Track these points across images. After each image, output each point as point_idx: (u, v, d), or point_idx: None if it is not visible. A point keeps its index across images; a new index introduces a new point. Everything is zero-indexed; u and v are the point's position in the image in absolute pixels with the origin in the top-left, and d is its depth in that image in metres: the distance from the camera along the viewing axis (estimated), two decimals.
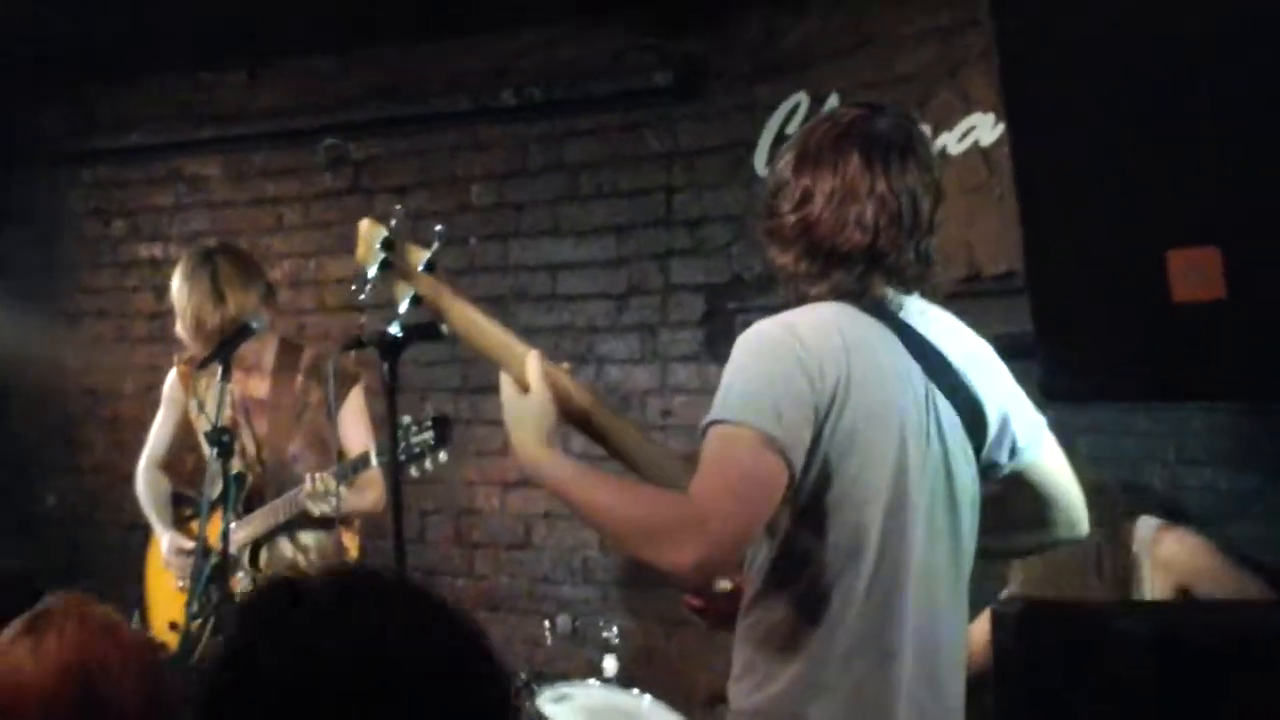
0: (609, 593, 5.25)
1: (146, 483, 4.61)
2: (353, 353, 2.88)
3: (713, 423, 2.26)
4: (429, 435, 3.83)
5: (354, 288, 2.86)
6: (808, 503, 2.32)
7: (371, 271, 2.79)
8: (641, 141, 5.42)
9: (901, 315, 2.42)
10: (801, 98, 4.93)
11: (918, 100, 4.61)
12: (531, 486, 5.30)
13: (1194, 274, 1.77)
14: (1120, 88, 1.82)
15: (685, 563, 2.18)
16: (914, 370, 2.38)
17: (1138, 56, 1.81)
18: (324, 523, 4.19)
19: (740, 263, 5.10)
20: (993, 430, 2.47)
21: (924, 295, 2.48)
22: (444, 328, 2.79)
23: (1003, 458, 2.51)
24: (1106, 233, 1.87)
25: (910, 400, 2.36)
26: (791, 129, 4.95)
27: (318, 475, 4.07)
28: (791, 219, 2.44)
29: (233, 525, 4.17)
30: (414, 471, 3.89)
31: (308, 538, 4.29)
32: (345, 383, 4.25)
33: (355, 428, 4.24)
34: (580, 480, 2.38)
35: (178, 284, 4.25)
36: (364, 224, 2.84)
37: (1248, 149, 1.72)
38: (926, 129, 4.57)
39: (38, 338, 6.62)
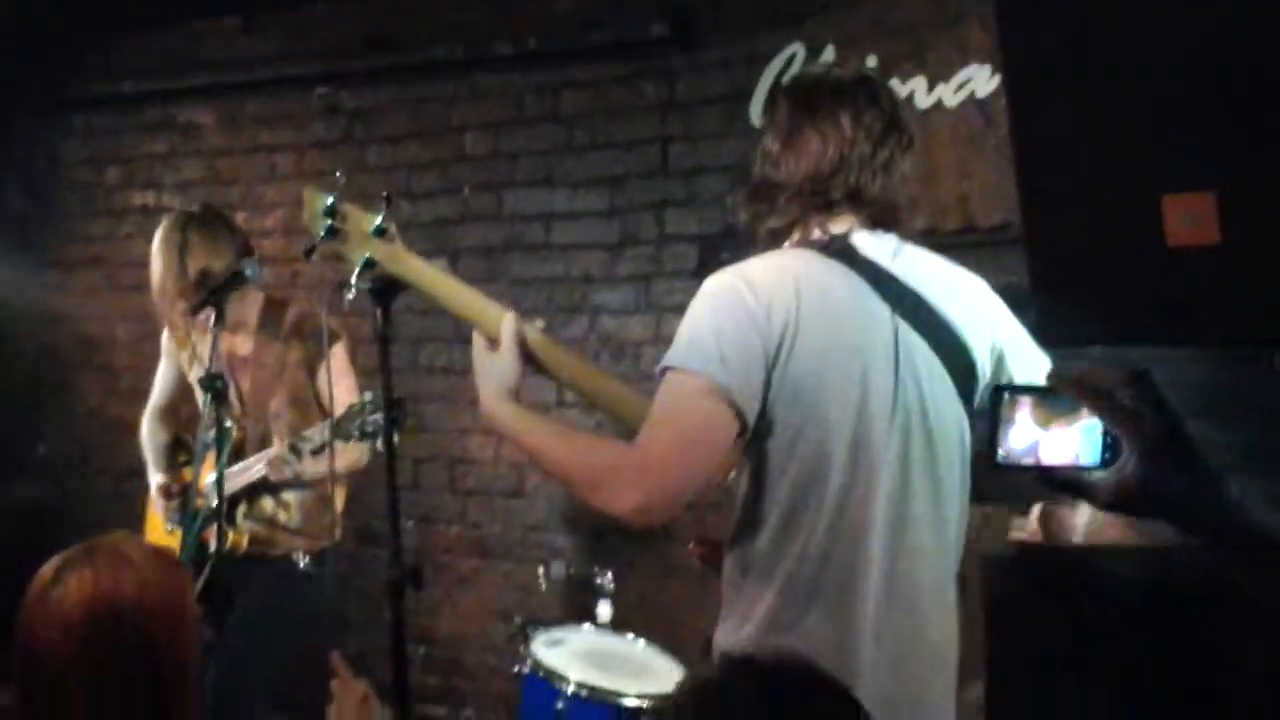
0: (602, 541, 5.26)
1: (148, 431, 4.67)
2: (341, 304, 2.89)
3: (664, 370, 2.32)
4: (379, 416, 3.84)
5: (304, 254, 2.88)
6: (767, 443, 2.35)
7: (317, 239, 2.78)
8: (638, 92, 5.41)
9: (873, 257, 2.43)
10: (798, 48, 4.92)
11: (914, 51, 4.60)
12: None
13: (1189, 219, 1.78)
14: (1115, 36, 1.82)
15: (625, 508, 2.24)
16: (881, 311, 2.39)
17: (1132, 4, 1.81)
18: (295, 484, 4.23)
19: (735, 214, 5.09)
20: (984, 369, 2.48)
21: (900, 228, 2.50)
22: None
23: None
24: (1101, 180, 1.87)
25: (876, 341, 2.37)
26: (787, 79, 4.94)
27: (279, 442, 4.13)
28: (756, 174, 2.55)
29: (215, 477, 4.21)
30: (366, 447, 4.01)
31: (289, 494, 4.31)
32: (328, 340, 4.27)
33: (338, 386, 4.24)
34: (534, 430, 2.47)
35: (154, 247, 4.28)
36: (306, 192, 2.84)
37: (1243, 95, 1.72)
38: (923, 81, 4.58)
39: (30, 286, 6.62)
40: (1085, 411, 1.42)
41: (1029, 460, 1.46)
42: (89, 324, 6.68)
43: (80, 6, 6.28)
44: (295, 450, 4.07)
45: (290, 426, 4.23)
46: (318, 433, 4.05)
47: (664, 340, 2.42)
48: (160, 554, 2.42)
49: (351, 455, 4.21)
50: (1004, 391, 1.48)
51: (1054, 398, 1.45)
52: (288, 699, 4.43)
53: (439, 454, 5.69)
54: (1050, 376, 1.47)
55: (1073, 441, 1.43)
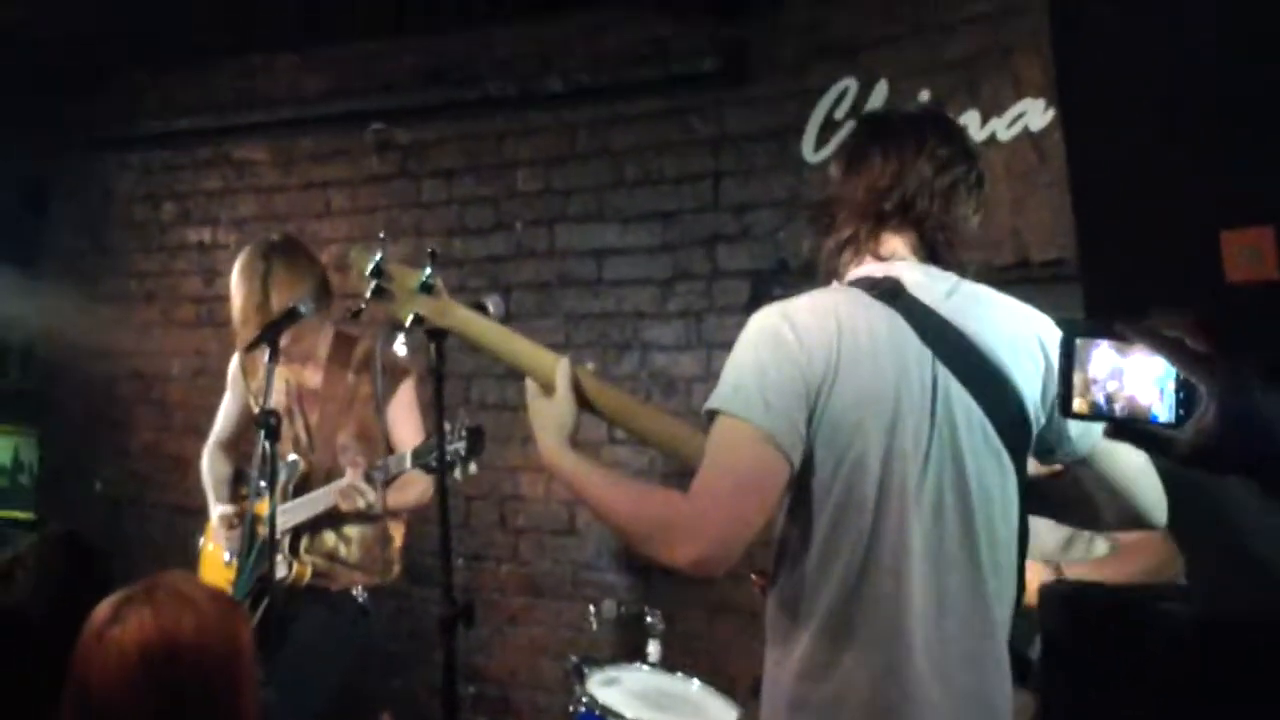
0: (651, 579, 5.25)
1: (209, 462, 4.71)
2: (403, 347, 2.91)
3: (711, 413, 2.31)
4: (461, 445, 3.86)
5: (349, 312, 2.92)
6: (805, 482, 2.35)
7: (366, 298, 2.80)
8: (688, 127, 5.41)
9: (924, 297, 2.42)
10: (850, 83, 4.91)
11: (967, 85, 4.58)
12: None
13: (1247, 255, 1.75)
14: (1172, 71, 1.80)
15: (684, 560, 2.26)
16: (921, 355, 2.37)
17: (1189, 40, 1.79)
18: (367, 515, 4.23)
19: (787, 248, 5.08)
20: (1038, 418, 2.44)
21: (964, 275, 2.48)
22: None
23: (1063, 443, 2.50)
24: (1159, 216, 1.85)
25: (912, 384, 2.35)
26: (840, 114, 4.94)
27: (350, 472, 4.13)
28: (820, 197, 2.60)
29: (281, 509, 4.23)
30: (447, 479, 3.94)
31: (351, 529, 4.33)
32: (396, 377, 4.30)
33: (404, 423, 4.29)
34: (592, 480, 2.47)
35: (234, 276, 4.32)
36: (353, 253, 2.87)
37: None
38: (976, 115, 4.55)
39: (87, 321, 6.68)
40: (1158, 366, 1.40)
41: (1102, 411, 1.44)
42: (144, 360, 6.73)
43: (136, 43, 6.34)
44: (369, 479, 4.08)
45: (355, 461, 4.22)
46: (393, 462, 4.07)
47: (715, 376, 2.42)
48: (219, 595, 2.43)
49: (418, 488, 4.24)
50: (1075, 341, 1.46)
51: (1127, 350, 1.43)
52: None
53: (490, 491, 5.69)
54: (1120, 327, 1.45)
55: (1147, 395, 1.41)
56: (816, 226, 2.59)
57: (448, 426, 3.88)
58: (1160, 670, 1.89)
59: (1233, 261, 1.79)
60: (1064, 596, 2.13)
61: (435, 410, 3.06)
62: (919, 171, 2.45)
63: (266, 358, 3.94)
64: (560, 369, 2.62)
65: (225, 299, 6.34)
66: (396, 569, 4.44)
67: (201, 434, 4.82)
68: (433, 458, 3.87)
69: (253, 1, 5.74)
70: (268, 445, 3.91)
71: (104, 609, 2.26)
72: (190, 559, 4.70)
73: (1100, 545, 3.64)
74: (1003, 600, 2.43)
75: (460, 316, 2.76)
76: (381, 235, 2.88)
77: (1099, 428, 2.47)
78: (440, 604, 2.83)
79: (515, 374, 5.34)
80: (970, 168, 2.50)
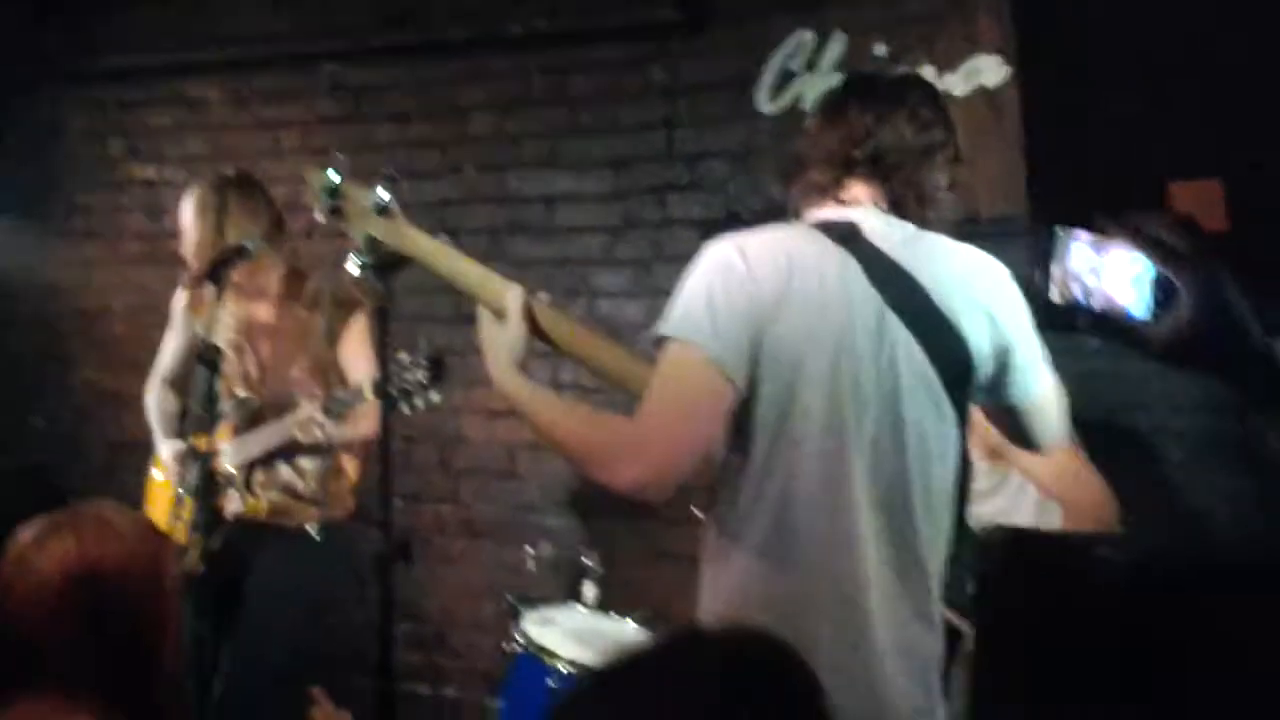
0: (591, 523, 5.26)
1: (156, 399, 4.68)
2: (357, 279, 2.93)
3: (660, 338, 2.37)
4: (421, 374, 3.87)
5: (306, 233, 2.93)
6: (745, 411, 2.38)
7: (320, 218, 2.84)
8: (644, 76, 5.39)
9: (878, 242, 2.44)
10: (806, 35, 4.92)
11: (923, 40, 4.59)
12: (516, 416, 5.32)
13: (1196, 206, 1.76)
14: (1125, 27, 1.80)
15: (626, 481, 2.32)
16: (869, 298, 2.40)
17: None
18: (320, 448, 4.24)
19: (738, 200, 5.08)
20: (983, 367, 2.47)
21: (923, 222, 2.51)
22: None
23: (999, 393, 2.54)
24: (1109, 167, 1.86)
25: (857, 326, 2.38)
26: (795, 66, 4.95)
27: (305, 405, 4.14)
28: (794, 148, 2.66)
29: (231, 445, 4.24)
30: (405, 408, 3.98)
31: (305, 462, 4.33)
32: (347, 309, 4.29)
33: (358, 356, 4.28)
34: (540, 404, 2.55)
35: (188, 211, 4.31)
36: (308, 171, 2.90)
37: (1251, 84, 1.71)
38: (931, 70, 4.56)
39: (29, 256, 6.61)
40: (1135, 262, 1.42)
41: (1080, 304, 1.46)
42: (86, 296, 6.65)
43: None
44: (328, 411, 4.09)
45: (311, 394, 4.24)
46: (351, 394, 4.06)
47: None
48: (145, 525, 2.42)
49: (371, 421, 4.22)
50: (1056, 231, 1.48)
51: (1105, 245, 1.45)
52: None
53: (432, 433, 5.67)
54: (1100, 221, 1.47)
55: (1124, 291, 1.42)
56: (786, 173, 2.64)
57: (406, 357, 3.89)
58: (1094, 614, 1.91)
59: (1182, 212, 1.80)
60: (1002, 541, 2.15)
61: (380, 345, 3.08)
62: (896, 128, 2.48)
63: (214, 294, 3.92)
64: (512, 295, 2.66)
65: (171, 236, 6.30)
66: (350, 503, 4.43)
67: (144, 371, 4.78)
68: (393, 388, 3.89)
69: None
70: (212, 379, 3.89)
71: (27, 533, 2.25)
72: (127, 493, 4.66)
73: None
74: (933, 546, 2.45)
75: (413, 238, 2.79)
76: (338, 153, 2.86)
77: (1038, 388, 2.51)
78: (378, 541, 2.83)
79: (461, 317, 5.38)
80: (949, 137, 2.54)
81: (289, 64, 6.23)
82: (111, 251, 6.66)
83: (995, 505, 3.64)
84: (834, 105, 2.58)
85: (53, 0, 6.49)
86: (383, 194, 2.77)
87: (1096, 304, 1.45)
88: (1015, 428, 2.63)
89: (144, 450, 4.71)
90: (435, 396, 3.95)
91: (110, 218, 6.70)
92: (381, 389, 3.84)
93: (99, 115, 6.77)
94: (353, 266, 2.84)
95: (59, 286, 6.68)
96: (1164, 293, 1.41)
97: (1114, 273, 1.44)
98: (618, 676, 1.40)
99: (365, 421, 4.23)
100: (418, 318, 5.63)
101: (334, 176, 2.79)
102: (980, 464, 3.40)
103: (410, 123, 5.91)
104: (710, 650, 1.44)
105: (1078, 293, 1.46)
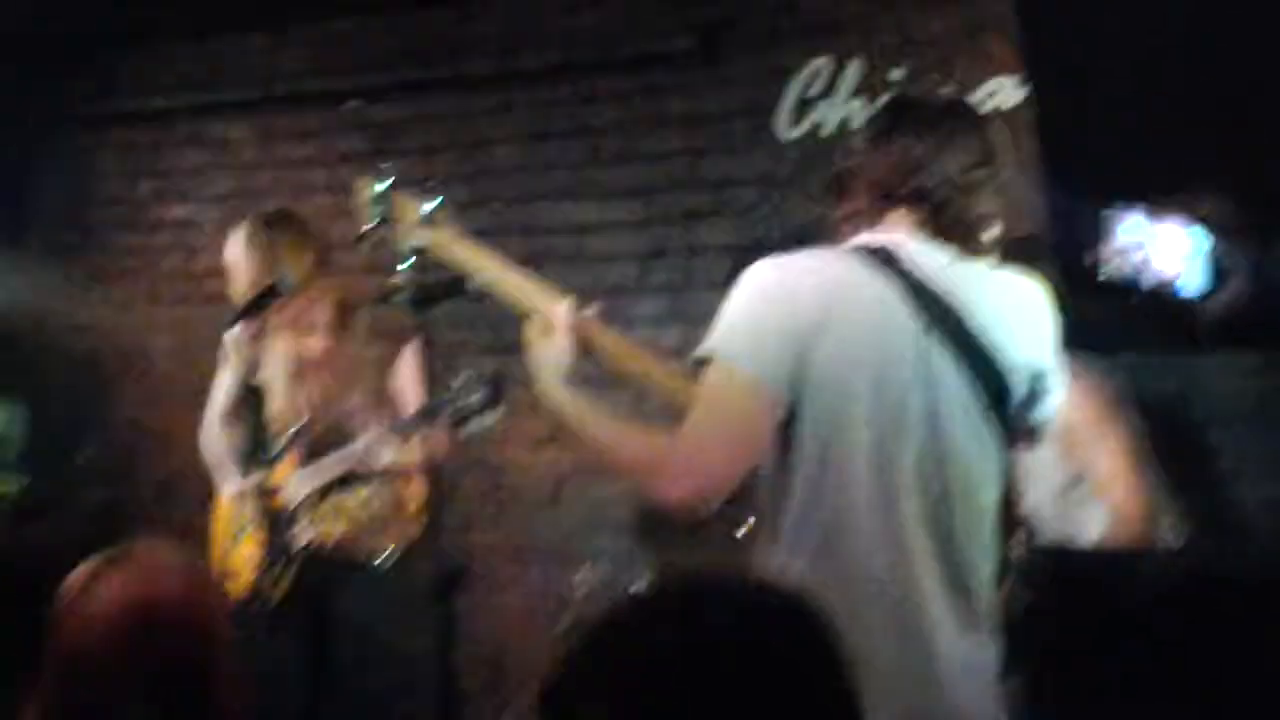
0: (636, 547, 5.32)
1: (211, 436, 4.64)
2: (406, 310, 2.97)
3: (704, 359, 2.40)
4: (478, 396, 3.90)
5: (354, 243, 2.96)
6: (786, 434, 2.41)
7: (367, 228, 2.88)
8: (664, 105, 5.48)
9: (918, 268, 2.45)
10: (824, 62, 4.99)
11: (941, 63, 4.65)
12: (560, 444, 5.43)
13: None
14: (1136, 44, 1.87)
15: (673, 498, 2.40)
16: (910, 323, 2.42)
17: (1154, 11, 1.86)
18: (384, 475, 4.29)
19: (765, 225, 5.15)
20: (1018, 393, 2.50)
21: (965, 252, 2.51)
22: (467, 282, 2.91)
23: (1039, 418, 2.58)
24: (1127, 185, 1.92)
25: (898, 350, 2.41)
26: (813, 93, 5.03)
27: (372, 429, 4.19)
28: (837, 166, 2.63)
29: (294, 478, 4.31)
30: (463, 432, 3.98)
31: (370, 490, 4.35)
32: (399, 340, 4.33)
33: (412, 382, 4.31)
34: (589, 418, 2.58)
35: (237, 250, 4.38)
36: (357, 181, 2.92)
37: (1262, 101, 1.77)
38: (950, 92, 4.63)
39: (70, 298, 6.68)
40: (1187, 239, 1.41)
41: (1130, 282, 1.46)
42: (126, 335, 6.73)
43: (111, 23, 6.35)
44: (389, 438, 4.14)
45: (368, 424, 4.28)
46: (411, 420, 4.11)
47: (695, 350, 2.51)
48: (193, 560, 2.49)
49: (434, 445, 4.12)
50: (1105, 212, 1.48)
51: (1157, 222, 1.45)
52: None
53: (477, 462, 5.74)
54: (1155, 198, 1.47)
55: (1176, 268, 1.43)
56: (829, 193, 2.64)
57: (461, 379, 3.92)
58: (1139, 628, 2.00)
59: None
60: (1047, 557, 2.23)
61: (425, 375, 3.23)
62: (945, 162, 2.47)
63: (252, 333, 4.00)
64: (561, 308, 2.70)
65: (206, 276, 6.44)
66: (413, 531, 4.46)
67: (186, 407, 4.83)
68: (447, 413, 3.90)
69: None
70: (257, 419, 3.97)
71: (81, 574, 2.29)
72: (175, 529, 4.73)
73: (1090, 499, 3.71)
74: (979, 568, 2.48)
75: (461, 248, 2.83)
76: (385, 165, 2.92)
77: (1054, 411, 2.57)
78: (433, 566, 2.91)
79: (500, 347, 5.46)
80: (996, 168, 2.53)
81: (309, 102, 6.34)
82: (148, 291, 6.76)
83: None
84: (883, 131, 2.56)
85: (80, 45, 6.57)
86: (431, 203, 2.83)
87: (1147, 282, 1.46)
88: None
89: (190, 486, 4.77)
90: (493, 419, 3.97)
91: (145, 258, 6.80)
92: (425, 409, 3.89)
93: (128, 157, 6.87)
94: (400, 277, 2.87)
95: (98, 326, 6.76)
96: (1218, 268, 1.41)
97: (1166, 250, 1.44)
98: (620, 629, 1.42)
99: (431, 445, 4.19)
100: (456, 348, 5.71)
101: (382, 185, 2.85)
102: (1050, 455, 3.42)
103: (435, 158, 6.00)
104: (721, 597, 1.44)
105: (1128, 271, 1.47)
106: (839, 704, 1.40)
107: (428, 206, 2.83)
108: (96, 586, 2.26)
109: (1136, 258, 1.41)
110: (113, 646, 2.19)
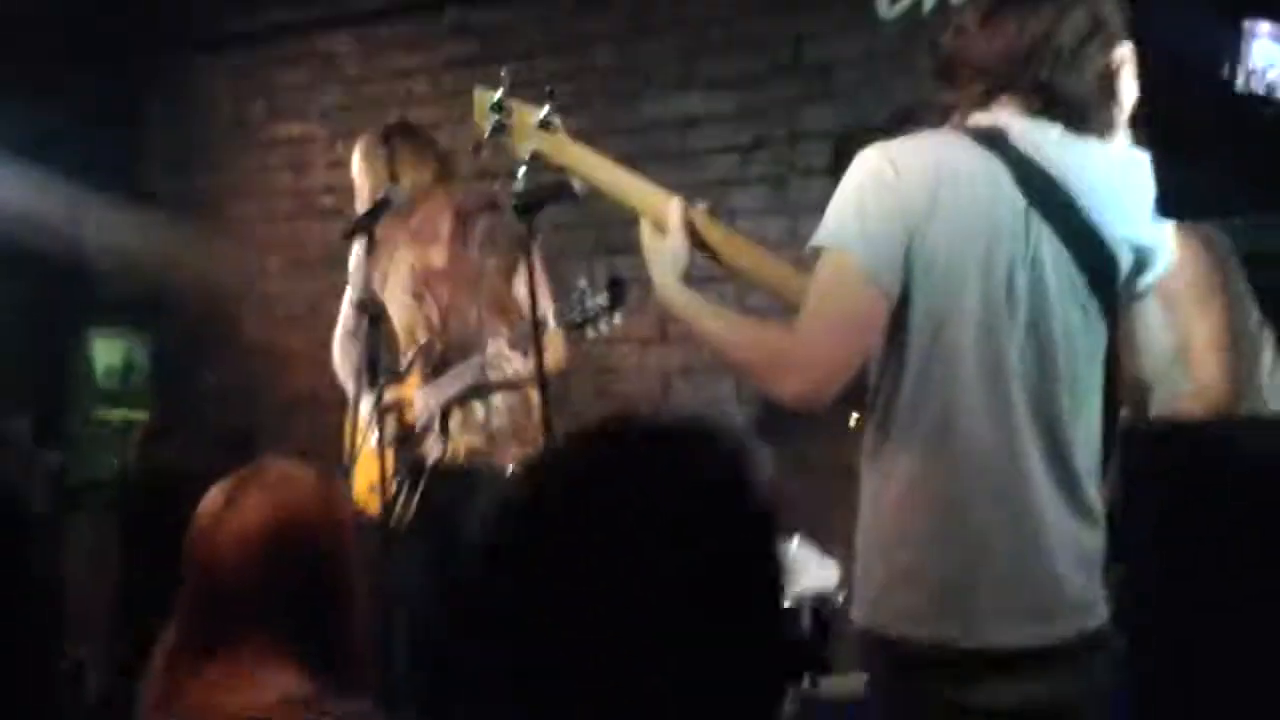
0: (750, 444, 5.30)
1: (342, 352, 4.63)
2: (521, 182, 2.99)
3: (815, 250, 2.38)
4: (603, 298, 3.90)
5: (472, 152, 3.00)
6: (900, 318, 2.40)
7: (486, 134, 2.92)
8: None
9: (1025, 146, 2.42)
10: None
11: None
12: (669, 343, 5.43)
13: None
14: None
15: (787, 393, 2.39)
16: (1017, 202, 2.39)
17: None
18: (512, 384, 4.30)
19: (869, 108, 5.06)
20: (1124, 270, 2.48)
21: (1075, 128, 2.44)
22: (575, 185, 2.98)
23: (1144, 286, 2.57)
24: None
25: (1003, 228, 2.38)
26: None
27: (494, 341, 4.18)
28: (946, 46, 2.55)
29: (422, 392, 4.34)
30: (589, 333, 4.00)
31: (497, 400, 4.37)
32: (519, 247, 4.31)
33: (538, 290, 4.28)
34: (705, 315, 2.59)
35: (356, 164, 4.40)
36: (475, 91, 2.97)
37: None
38: None
39: (186, 222, 6.79)
40: None
41: (1270, 97, 1.40)
42: (243, 255, 6.84)
43: None
44: (514, 346, 4.13)
45: (494, 332, 4.27)
46: (538, 327, 4.08)
47: (800, 240, 2.48)
48: (323, 475, 2.51)
49: (554, 352, 4.24)
50: (1240, 25, 1.41)
51: None
52: None
53: (586, 364, 5.75)
54: None
55: None
56: (937, 77, 2.58)
57: (584, 283, 3.92)
58: (1238, 501, 1.93)
59: None
60: (1143, 436, 2.17)
61: (530, 278, 3.29)
62: (1056, 44, 2.41)
63: (363, 247, 4.00)
64: (673, 207, 2.72)
65: (319, 192, 6.48)
66: (541, 439, 4.47)
67: (304, 325, 4.90)
68: (575, 314, 3.94)
69: None
70: (373, 333, 3.97)
71: (214, 496, 2.33)
72: (302, 447, 4.77)
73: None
74: (1085, 445, 2.46)
75: (578, 153, 2.86)
76: (503, 71, 2.93)
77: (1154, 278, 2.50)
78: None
79: (603, 249, 5.43)
80: (1109, 33, 2.43)
81: (411, 10, 6.36)
82: (262, 210, 6.84)
83: None
84: (989, 11, 2.48)
85: None
86: (547, 109, 2.85)
87: None
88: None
89: (314, 404, 4.83)
90: (618, 319, 3.96)
91: (258, 177, 6.89)
92: (565, 318, 3.91)
93: (237, 78, 6.96)
94: (519, 182, 2.96)
95: (215, 248, 6.87)
96: None
97: None
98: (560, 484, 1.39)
99: (550, 354, 4.16)
100: (558, 253, 5.71)
101: (500, 93, 2.88)
102: (1159, 321, 3.41)
103: (536, 58, 5.96)
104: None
105: (1260, 88, 1.41)
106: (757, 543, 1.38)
107: (543, 112, 2.86)
108: (233, 505, 2.30)
109: (1269, 76, 1.32)
110: (250, 564, 2.24)
